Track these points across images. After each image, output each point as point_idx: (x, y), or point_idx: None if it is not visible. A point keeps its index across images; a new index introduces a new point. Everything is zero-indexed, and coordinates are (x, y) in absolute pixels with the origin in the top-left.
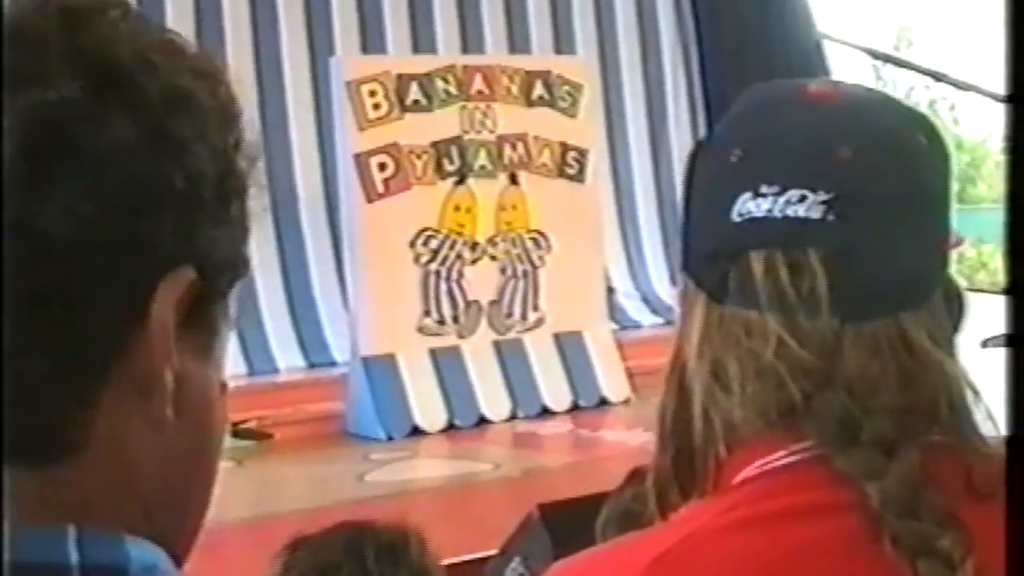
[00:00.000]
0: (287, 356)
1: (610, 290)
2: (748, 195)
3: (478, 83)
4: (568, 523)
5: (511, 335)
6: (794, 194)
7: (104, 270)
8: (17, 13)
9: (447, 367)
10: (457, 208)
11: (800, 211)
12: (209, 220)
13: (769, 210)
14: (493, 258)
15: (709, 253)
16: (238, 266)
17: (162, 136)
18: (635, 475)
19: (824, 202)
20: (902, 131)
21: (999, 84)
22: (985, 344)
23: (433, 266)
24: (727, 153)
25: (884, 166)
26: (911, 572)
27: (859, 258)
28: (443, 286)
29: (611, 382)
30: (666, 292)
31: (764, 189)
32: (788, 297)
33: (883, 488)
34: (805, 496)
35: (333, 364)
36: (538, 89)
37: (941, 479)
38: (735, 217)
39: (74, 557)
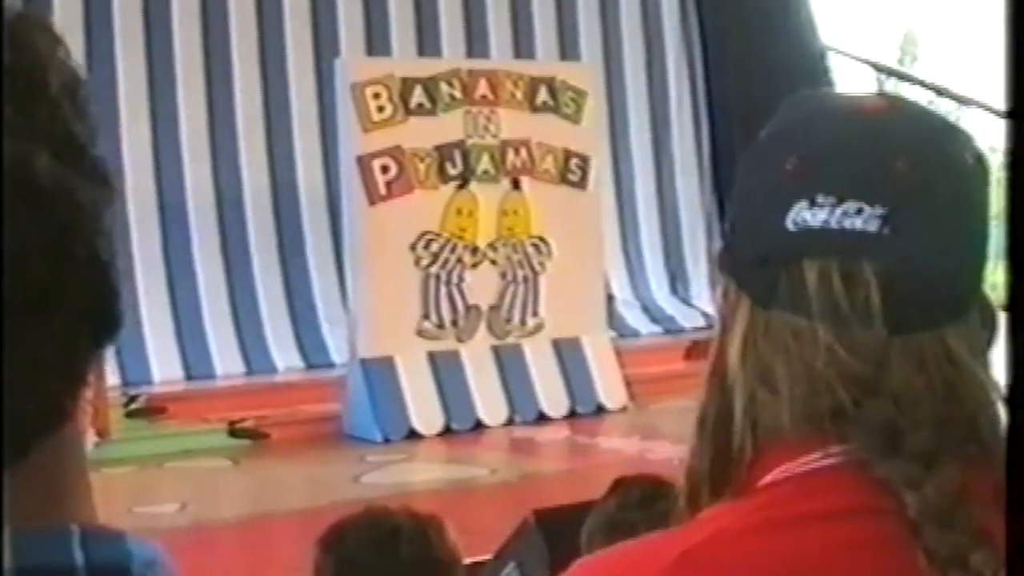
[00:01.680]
0: (285, 356)
1: (609, 298)
2: (804, 204)
3: (482, 88)
4: (563, 529)
5: (510, 340)
6: (851, 206)
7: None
8: None
9: (445, 371)
10: (459, 212)
11: (857, 224)
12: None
13: (825, 221)
14: (494, 263)
15: (759, 258)
16: None
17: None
18: (619, 485)
19: (880, 216)
20: (953, 149)
21: (1001, 100)
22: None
23: (433, 270)
24: (782, 160)
25: (938, 182)
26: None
27: (911, 272)
28: (443, 290)
29: (609, 389)
30: (665, 301)
31: (821, 199)
32: (841, 308)
33: (922, 497)
34: (838, 499)
35: (331, 365)
36: (542, 95)
37: (977, 493)
38: (790, 225)
39: (79, 558)
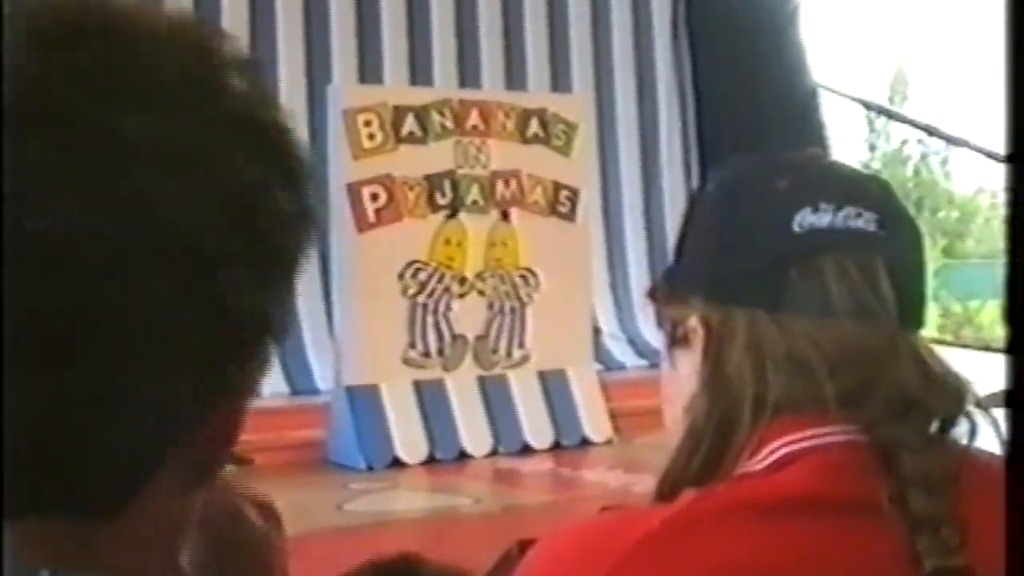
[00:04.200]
0: (271, 382)
1: (596, 331)
2: (807, 210)
3: (474, 118)
4: None
5: (496, 371)
6: (851, 210)
7: (234, 340)
8: (170, 57)
9: (430, 400)
10: (447, 242)
11: (860, 223)
12: (292, 295)
13: (831, 222)
14: (481, 293)
15: (767, 263)
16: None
17: (302, 209)
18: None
19: (876, 220)
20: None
21: (990, 140)
22: (979, 404)
23: (421, 299)
24: (771, 183)
25: (902, 205)
26: (905, 539)
27: (906, 273)
28: (430, 319)
29: (594, 422)
30: (652, 335)
31: (823, 205)
32: (862, 297)
33: (919, 460)
34: (821, 484)
35: (316, 392)
36: (533, 127)
37: (964, 484)
38: (796, 228)
39: None
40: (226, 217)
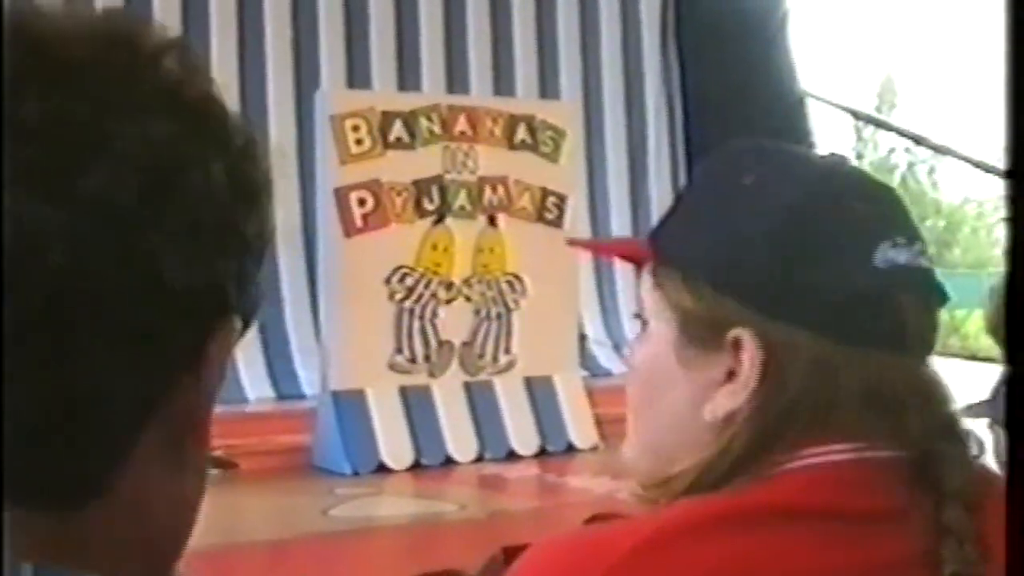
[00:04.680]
0: (256, 387)
1: (582, 337)
2: (887, 244)
3: (461, 124)
4: None
5: (482, 376)
6: (919, 246)
7: (179, 313)
8: (86, 47)
9: (416, 405)
10: (435, 247)
11: (924, 262)
12: (255, 271)
13: (907, 260)
14: (468, 299)
15: (848, 295)
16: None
17: (241, 183)
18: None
19: (928, 254)
20: None
21: (977, 150)
22: (964, 413)
23: (407, 304)
24: (846, 203)
25: None
26: (912, 553)
27: (941, 305)
28: (416, 324)
29: (579, 429)
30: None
31: (899, 240)
32: (928, 337)
33: (961, 471)
34: (840, 496)
35: (302, 397)
36: (521, 133)
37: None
38: (879, 264)
39: None
40: (149, 190)
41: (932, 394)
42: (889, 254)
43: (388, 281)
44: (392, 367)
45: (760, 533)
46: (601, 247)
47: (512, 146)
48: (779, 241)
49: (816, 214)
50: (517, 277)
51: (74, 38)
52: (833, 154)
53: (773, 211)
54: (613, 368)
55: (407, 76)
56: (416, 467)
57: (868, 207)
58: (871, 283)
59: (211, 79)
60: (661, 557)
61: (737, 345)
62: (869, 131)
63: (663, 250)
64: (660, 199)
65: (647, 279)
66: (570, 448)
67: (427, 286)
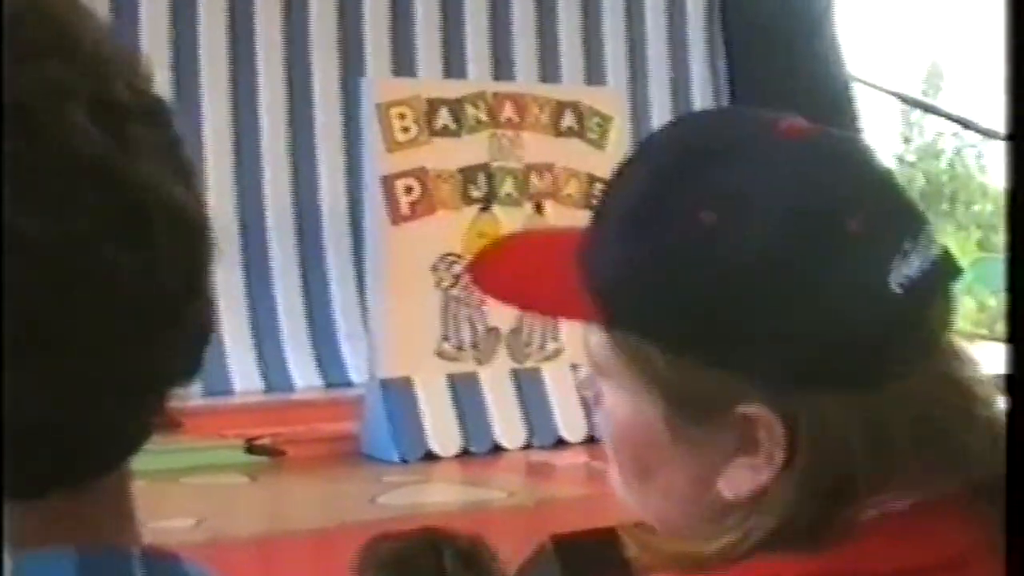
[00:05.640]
0: (304, 375)
1: None
2: (897, 258)
3: (508, 111)
4: (580, 556)
5: (529, 364)
6: (924, 234)
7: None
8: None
9: (464, 393)
10: (481, 235)
11: (934, 251)
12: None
13: (920, 265)
14: None
15: (874, 343)
16: None
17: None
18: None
19: (931, 231)
20: None
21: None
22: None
23: (454, 291)
24: (839, 224)
25: None
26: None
27: None
28: (463, 312)
29: None
30: None
31: (906, 245)
32: (963, 346)
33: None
34: (930, 546)
35: (350, 384)
36: (567, 119)
37: None
38: (896, 288)
39: None
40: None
41: (975, 399)
42: (903, 271)
43: (435, 268)
44: (439, 354)
45: None
46: (507, 292)
47: (558, 133)
48: (771, 295)
49: (807, 252)
50: None
51: None
52: (789, 135)
53: (751, 262)
54: None
55: (452, 63)
56: (464, 454)
57: (865, 215)
58: (896, 318)
59: (135, 68)
60: None
61: (748, 419)
62: (916, 115)
63: (618, 312)
64: None
65: (599, 335)
66: None
67: None
